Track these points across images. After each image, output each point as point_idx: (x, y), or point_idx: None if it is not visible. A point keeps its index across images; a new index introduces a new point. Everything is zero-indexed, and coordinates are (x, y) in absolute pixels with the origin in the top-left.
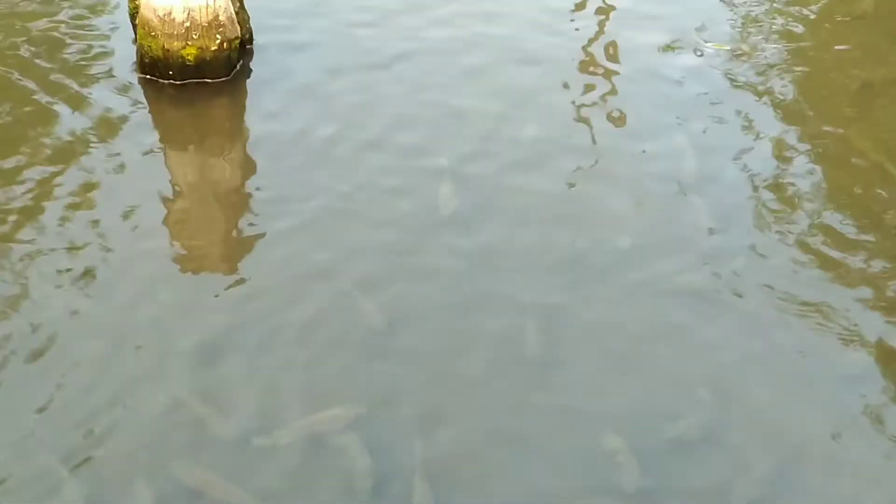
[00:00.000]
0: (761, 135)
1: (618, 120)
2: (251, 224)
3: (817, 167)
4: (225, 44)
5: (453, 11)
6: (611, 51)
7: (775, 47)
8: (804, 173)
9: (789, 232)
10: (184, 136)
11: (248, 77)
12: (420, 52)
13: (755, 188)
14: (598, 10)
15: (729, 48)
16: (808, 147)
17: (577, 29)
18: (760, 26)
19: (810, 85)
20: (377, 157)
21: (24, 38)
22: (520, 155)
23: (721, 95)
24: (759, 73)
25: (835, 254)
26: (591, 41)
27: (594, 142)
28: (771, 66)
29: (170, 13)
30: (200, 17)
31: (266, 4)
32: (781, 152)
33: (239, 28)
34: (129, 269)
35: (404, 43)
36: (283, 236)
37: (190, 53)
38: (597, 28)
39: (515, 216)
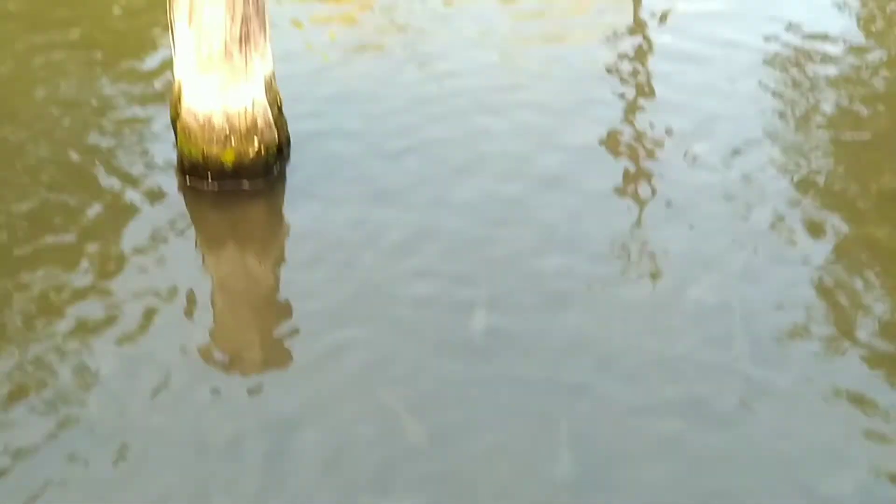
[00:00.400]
0: (810, 239)
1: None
2: (285, 329)
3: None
4: (263, 149)
5: (502, 101)
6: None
7: (820, 140)
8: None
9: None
10: (221, 240)
11: (286, 181)
12: (462, 152)
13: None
14: (639, 99)
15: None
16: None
17: (620, 119)
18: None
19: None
20: (413, 268)
21: (65, 142)
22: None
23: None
24: (808, 174)
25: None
26: (639, 136)
27: (631, 239)
28: (816, 158)
29: (210, 119)
30: (239, 123)
31: (307, 109)
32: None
33: (277, 133)
34: (159, 371)
35: (447, 146)
36: (317, 343)
37: (228, 158)
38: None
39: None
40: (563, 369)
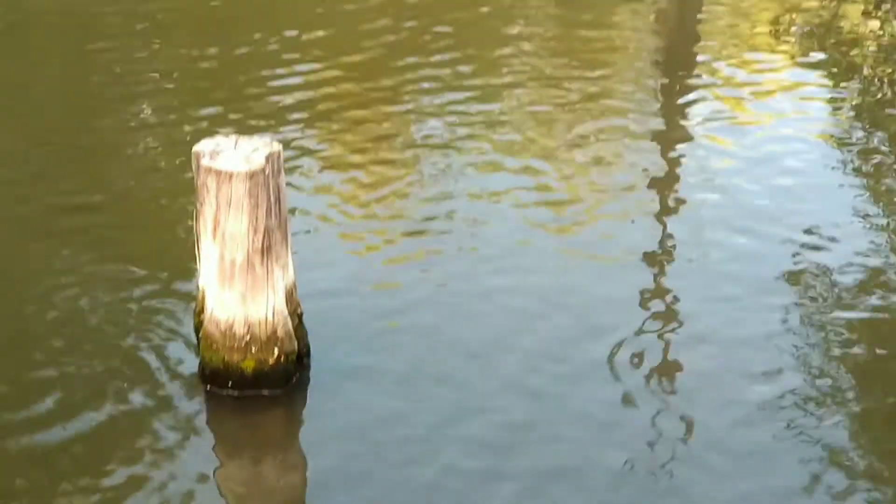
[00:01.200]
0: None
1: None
2: None
3: None
4: (282, 357)
5: (532, 309)
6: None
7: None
8: None
9: None
10: (240, 447)
11: (304, 390)
12: (489, 361)
13: None
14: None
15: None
16: None
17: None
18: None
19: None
20: (430, 483)
21: (87, 347)
22: None
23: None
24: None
25: None
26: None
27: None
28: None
29: (231, 327)
30: (260, 331)
31: (326, 322)
32: None
33: (296, 342)
34: None
35: (472, 354)
36: None
37: (248, 366)
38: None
39: None
40: None
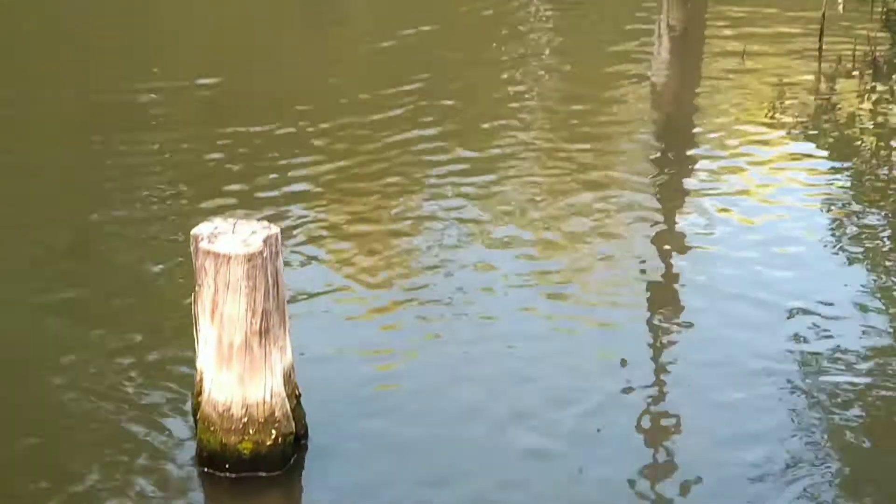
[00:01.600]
0: None
1: None
2: None
3: None
4: (280, 439)
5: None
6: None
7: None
8: None
9: None
10: None
11: (302, 472)
12: (486, 442)
13: None
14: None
15: None
16: None
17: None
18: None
19: None
20: None
21: (83, 427)
22: None
23: None
24: None
25: None
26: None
27: None
28: None
29: (229, 409)
30: (257, 413)
31: (324, 395)
32: None
33: (294, 424)
34: None
35: (471, 438)
36: None
37: (246, 448)
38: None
39: None
40: None
